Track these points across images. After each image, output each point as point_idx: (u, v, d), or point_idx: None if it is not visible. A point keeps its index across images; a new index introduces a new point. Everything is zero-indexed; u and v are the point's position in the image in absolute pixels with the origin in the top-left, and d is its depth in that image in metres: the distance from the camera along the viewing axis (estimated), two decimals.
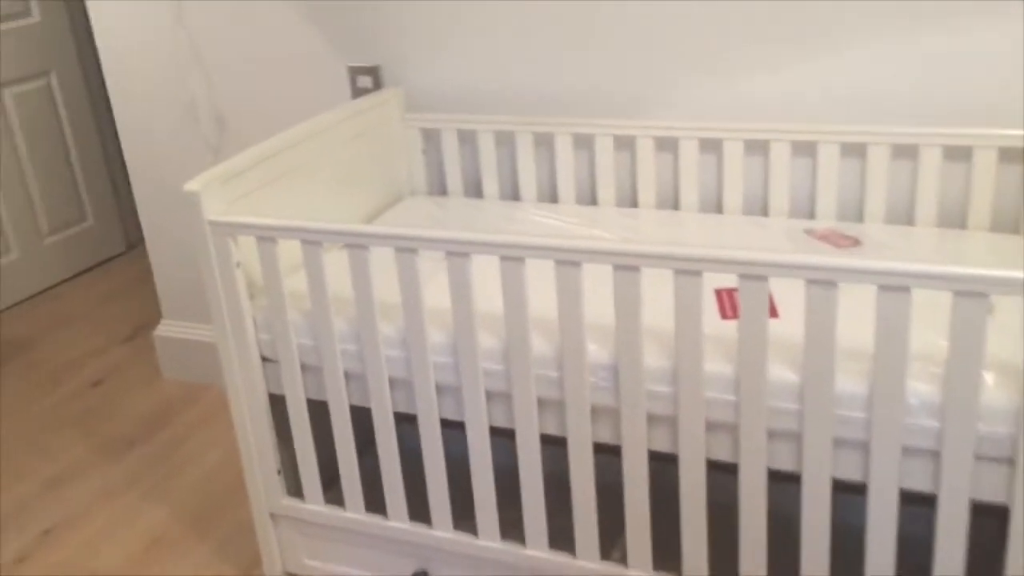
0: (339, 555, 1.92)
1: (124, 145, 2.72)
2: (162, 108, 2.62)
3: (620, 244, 1.42)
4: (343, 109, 2.17)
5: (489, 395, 1.65)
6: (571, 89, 2.15)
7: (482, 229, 2.06)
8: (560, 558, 1.68)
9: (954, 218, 1.91)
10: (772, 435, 1.45)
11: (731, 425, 1.48)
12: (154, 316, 3.25)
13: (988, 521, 1.66)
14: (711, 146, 2.05)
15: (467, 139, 2.28)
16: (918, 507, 1.65)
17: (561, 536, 1.70)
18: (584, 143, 2.17)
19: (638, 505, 1.58)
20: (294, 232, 1.67)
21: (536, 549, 1.70)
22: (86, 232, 3.80)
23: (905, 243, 1.83)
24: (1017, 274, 1.19)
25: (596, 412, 1.57)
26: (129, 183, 3.23)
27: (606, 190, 2.16)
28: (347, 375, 1.76)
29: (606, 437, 1.59)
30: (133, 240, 3.98)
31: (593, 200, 2.20)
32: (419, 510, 1.81)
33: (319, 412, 1.84)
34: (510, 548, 1.72)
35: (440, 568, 1.82)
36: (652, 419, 1.53)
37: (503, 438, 1.76)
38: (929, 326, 1.44)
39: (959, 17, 1.79)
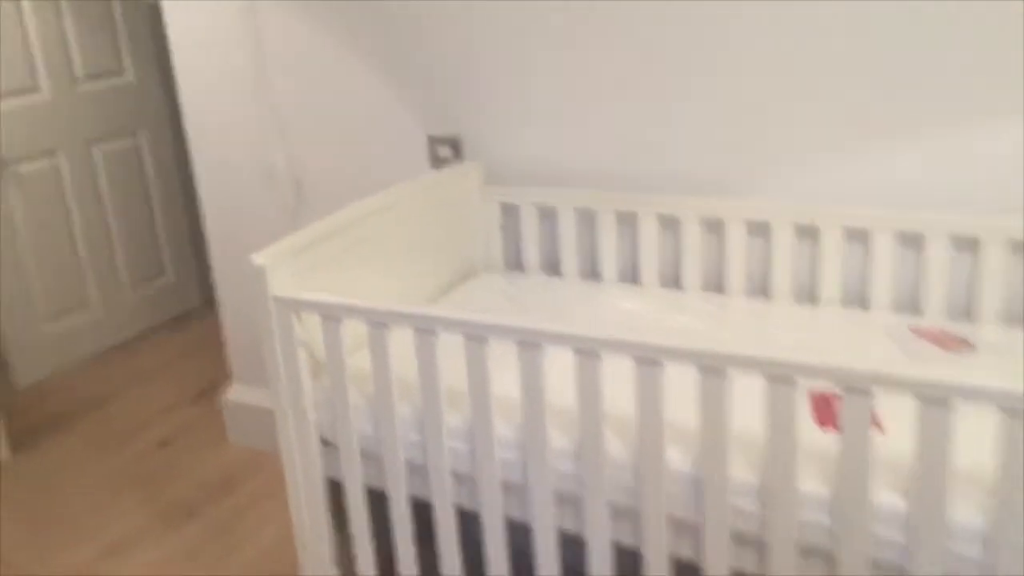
0: None
1: (203, 204, 2.71)
2: (242, 170, 2.60)
3: (706, 345, 1.30)
4: (420, 180, 2.11)
5: (558, 497, 1.53)
6: (657, 167, 2.04)
7: (559, 310, 1.97)
8: None
9: None
10: (876, 566, 1.29)
11: (826, 552, 1.32)
12: (225, 376, 3.21)
13: None
14: (806, 232, 1.92)
15: (547, 214, 2.19)
16: None
17: None
18: (669, 223, 2.06)
19: None
20: (360, 312, 1.59)
21: None
22: (165, 287, 3.82)
23: None
24: None
25: (675, 525, 1.44)
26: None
27: (691, 274, 2.04)
28: (409, 465, 1.66)
29: (686, 553, 1.45)
30: (210, 296, 3.98)
31: (677, 283, 2.08)
32: None
33: (379, 500, 1.74)
34: None
35: None
36: (737, 538, 1.39)
37: (572, 543, 1.63)
38: None
39: None
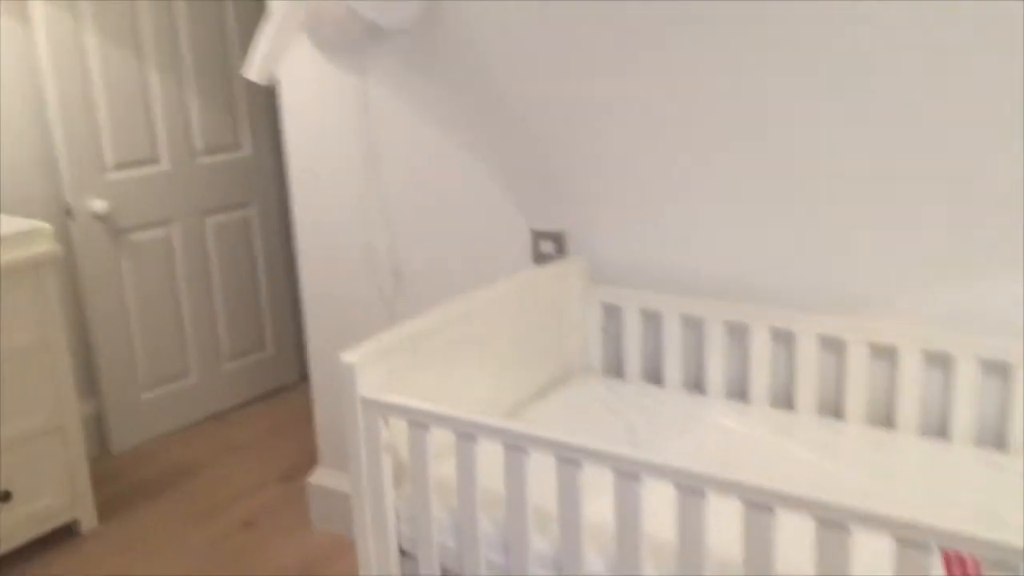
0: None
1: (303, 282, 2.70)
2: (343, 253, 2.58)
3: (826, 496, 1.16)
4: (520, 277, 2.03)
5: None
6: (773, 277, 1.92)
7: (659, 426, 1.84)
8: None
9: None
10: None
11: None
12: (313, 457, 3.17)
13: None
14: (938, 360, 1.76)
15: (651, 319, 2.08)
16: None
17: None
18: (784, 338, 1.92)
19: None
20: (448, 422, 1.51)
21: None
22: (264, 360, 3.83)
23: None
24: None
25: None
26: None
27: (805, 395, 1.89)
28: None
29: None
30: (306, 373, 3.98)
31: (789, 404, 1.93)
32: None
33: None
34: None
35: None
36: None
37: None
38: None
39: None
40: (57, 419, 2.73)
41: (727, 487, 1.24)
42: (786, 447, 1.74)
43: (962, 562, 1.31)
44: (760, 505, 1.22)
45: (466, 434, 1.50)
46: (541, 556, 1.49)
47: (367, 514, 1.64)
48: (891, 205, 1.76)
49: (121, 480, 3.19)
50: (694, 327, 2.03)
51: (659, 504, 1.41)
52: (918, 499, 1.53)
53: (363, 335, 2.59)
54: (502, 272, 2.28)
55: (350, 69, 2.42)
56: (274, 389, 3.89)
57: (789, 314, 1.87)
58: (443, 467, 1.64)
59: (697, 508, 1.28)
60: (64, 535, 2.81)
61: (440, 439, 1.58)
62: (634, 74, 1.99)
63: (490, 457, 1.51)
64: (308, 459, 3.21)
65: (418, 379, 1.72)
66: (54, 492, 2.75)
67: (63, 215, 3.17)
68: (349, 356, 1.60)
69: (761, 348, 1.92)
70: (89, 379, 3.34)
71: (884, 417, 1.84)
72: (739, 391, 2.00)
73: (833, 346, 1.86)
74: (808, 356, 1.87)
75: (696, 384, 2.05)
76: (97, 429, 3.37)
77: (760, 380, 1.93)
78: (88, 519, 2.85)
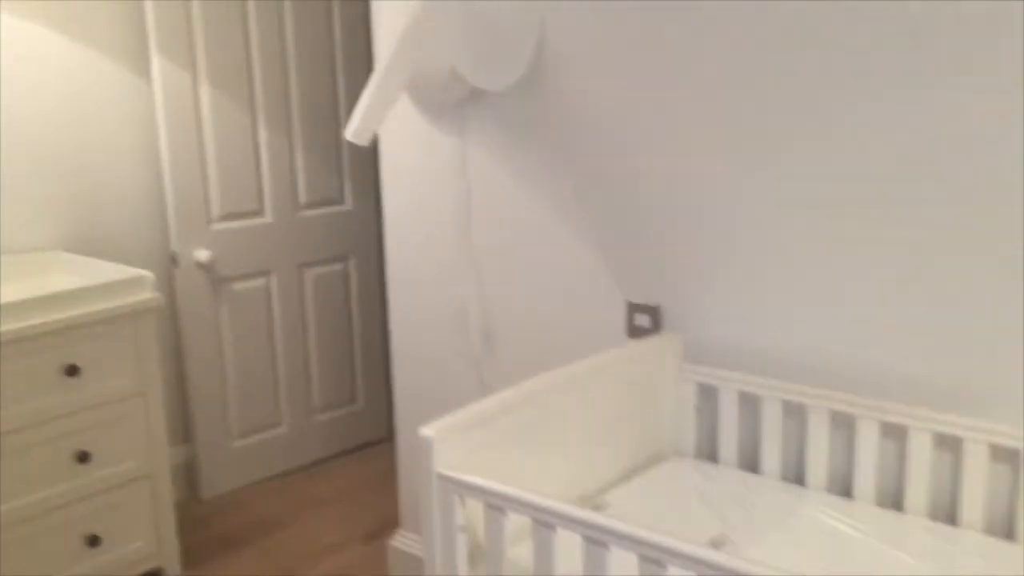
0: None
1: (393, 341, 2.68)
2: (434, 313, 2.55)
3: None
4: (612, 352, 1.95)
5: None
6: (884, 367, 1.79)
7: (755, 521, 1.72)
8: None
9: None
10: None
11: None
12: (397, 518, 3.12)
13: None
14: None
15: (749, 403, 1.97)
16: None
17: None
18: (894, 434, 1.78)
19: None
20: (526, 508, 1.43)
21: None
22: (354, 414, 3.82)
23: None
24: None
25: None
26: None
27: (916, 496, 1.74)
28: None
29: None
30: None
31: (898, 504, 1.79)
32: None
33: None
34: None
35: None
36: None
37: None
38: None
39: None
40: (148, 466, 2.76)
41: None
42: (893, 553, 1.60)
43: None
44: None
45: (544, 522, 1.42)
46: None
47: None
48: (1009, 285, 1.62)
49: (208, 527, 3.20)
50: (795, 414, 1.91)
51: None
52: None
53: (451, 398, 2.55)
54: (594, 343, 2.21)
55: (450, 130, 2.40)
56: (363, 443, 3.87)
57: (901, 408, 1.74)
58: (522, 549, 1.56)
59: None
60: None
61: (519, 520, 1.51)
62: (736, 147, 1.91)
63: (571, 543, 1.43)
64: (392, 519, 3.16)
65: (499, 454, 1.65)
66: (141, 538, 2.76)
67: (168, 263, 3.25)
68: (428, 430, 1.55)
69: (868, 442, 1.78)
70: (184, 424, 3.39)
71: (1005, 527, 1.68)
72: (843, 487, 1.86)
73: (950, 445, 1.72)
74: (921, 455, 1.72)
75: (796, 475, 1.92)
76: (188, 474, 3.41)
77: (866, 477, 1.79)
78: (172, 567, 2.85)
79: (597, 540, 1.35)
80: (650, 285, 2.11)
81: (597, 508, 1.77)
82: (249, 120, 3.33)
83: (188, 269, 3.23)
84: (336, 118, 3.59)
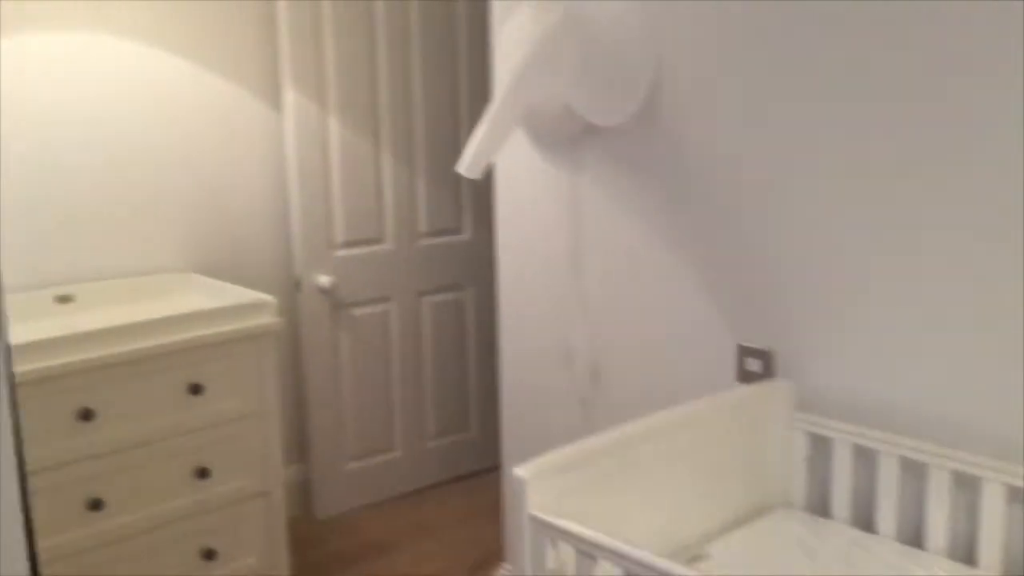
0: None
1: (502, 373, 2.69)
2: (543, 347, 2.54)
3: None
4: (721, 397, 1.90)
5: None
6: (1013, 428, 1.67)
7: None
8: None
9: None
10: None
11: None
12: (502, 551, 3.11)
13: None
14: None
15: (865, 457, 1.87)
16: None
17: None
18: (1022, 499, 1.66)
19: None
20: (619, 558, 1.39)
21: None
22: (467, 442, 3.84)
23: None
24: None
25: None
26: None
27: None
28: None
29: None
30: None
31: None
32: None
33: None
34: None
35: None
36: None
37: None
38: None
39: None
40: (263, 484, 2.84)
41: None
42: None
43: None
44: None
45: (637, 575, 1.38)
46: None
47: None
48: None
49: (320, 547, 3.27)
50: (915, 472, 1.80)
51: None
52: None
53: (557, 433, 2.52)
54: (703, 385, 2.15)
55: (564, 164, 2.40)
56: (475, 472, 3.88)
57: None
58: None
59: None
60: None
61: (612, 569, 1.47)
62: (861, 191, 1.83)
63: None
64: (499, 551, 3.15)
65: (595, 497, 1.62)
66: (254, 554, 2.84)
67: (292, 287, 3.36)
68: (522, 470, 1.53)
69: (994, 507, 1.66)
70: (300, 444, 3.48)
71: None
72: (965, 553, 1.74)
73: None
74: None
75: (914, 537, 1.81)
76: (304, 493, 3.50)
77: (991, 543, 1.67)
78: None
79: None
80: (762, 328, 2.04)
81: (697, 559, 1.72)
82: (374, 150, 3.41)
83: (310, 293, 3.33)
84: (458, 149, 3.63)
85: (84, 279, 2.96)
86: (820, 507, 1.95)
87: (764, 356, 2.04)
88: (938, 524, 1.74)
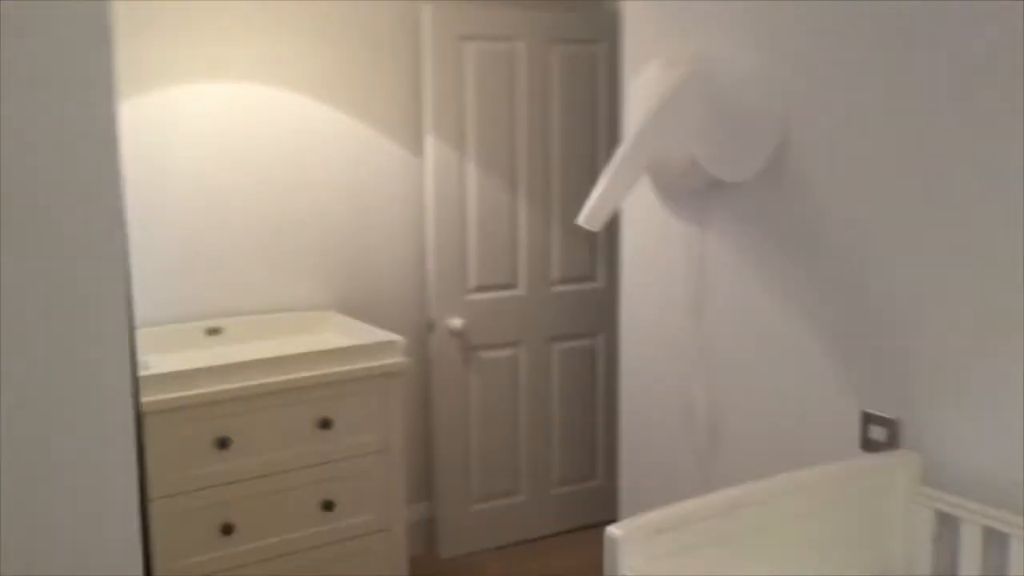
0: None
1: (621, 424, 2.67)
2: (663, 399, 2.50)
3: None
4: (839, 464, 1.82)
5: None
6: None
7: None
8: None
9: None
10: None
11: None
12: None
13: None
14: None
15: (997, 540, 1.74)
16: None
17: None
18: None
19: None
20: None
21: None
22: (593, 491, 3.81)
23: None
24: None
25: None
26: None
27: None
28: None
29: None
30: None
31: None
32: None
33: None
34: None
35: None
36: None
37: None
38: None
39: None
40: (386, 520, 2.91)
41: None
42: None
43: None
44: None
45: None
46: None
47: None
48: None
49: None
50: None
51: None
52: None
53: (674, 489, 2.47)
54: (823, 450, 2.06)
55: (688, 216, 2.38)
56: (600, 521, 3.82)
57: None
58: None
59: None
60: None
61: None
62: (1000, 256, 1.73)
63: None
64: None
65: (694, 562, 1.58)
66: None
67: (425, 328, 3.45)
68: (616, 529, 1.52)
69: None
70: (427, 482, 3.54)
71: None
72: None
73: None
74: None
75: None
76: (428, 531, 3.55)
77: None
78: None
79: None
80: (889, 396, 1.95)
81: None
82: (510, 196, 3.48)
83: (442, 335, 3.41)
84: None
85: (233, 313, 3.14)
86: None
87: (889, 425, 1.94)
88: None
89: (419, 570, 3.37)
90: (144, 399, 2.46)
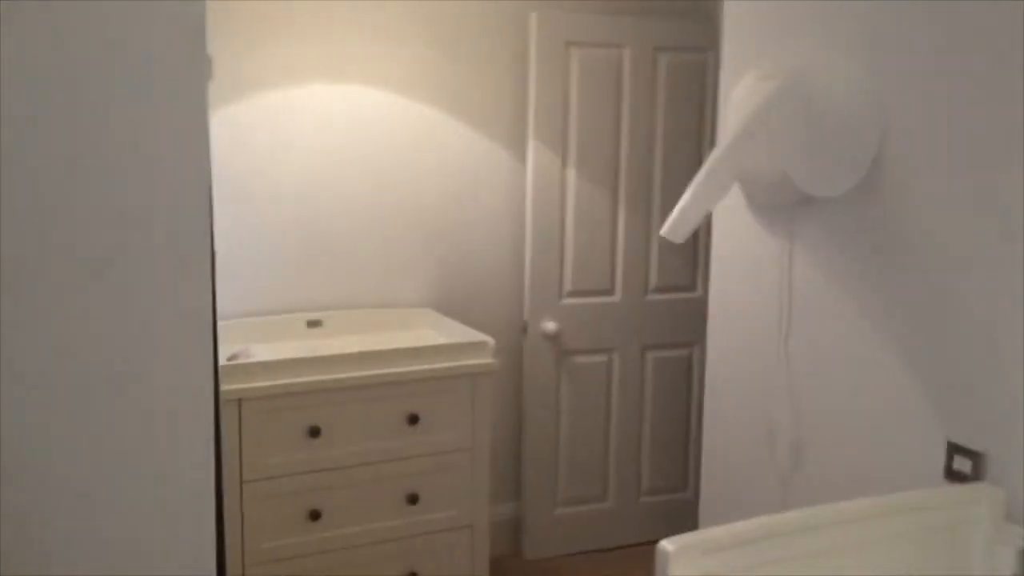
0: None
1: (704, 437, 2.64)
2: (746, 416, 2.46)
3: None
4: (915, 495, 1.76)
5: None
6: None
7: None
8: None
9: None
10: None
11: None
12: None
13: None
14: None
15: None
16: None
17: None
18: None
19: None
20: None
21: None
22: (682, 503, 3.77)
23: None
24: None
25: None
26: None
27: None
28: None
29: None
30: None
31: None
32: None
33: None
34: None
35: None
36: None
37: None
38: None
39: None
40: (469, 517, 2.97)
41: None
42: None
43: None
44: None
45: None
46: None
47: None
48: None
49: None
50: None
51: None
52: None
53: (753, 509, 2.42)
54: (906, 478, 1.99)
55: (777, 230, 2.33)
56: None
57: None
58: None
59: None
60: None
61: None
62: None
63: None
64: None
65: None
66: None
67: (520, 330, 3.48)
68: (669, 543, 1.51)
69: None
70: (515, 483, 3.58)
71: None
72: None
73: None
74: None
75: None
76: (515, 531, 3.59)
77: None
78: None
79: None
80: (976, 426, 1.87)
81: None
82: (610, 203, 3.48)
83: (535, 338, 3.44)
84: None
85: (334, 307, 3.26)
86: None
87: (975, 457, 1.86)
88: None
89: (502, 569, 3.41)
90: (242, 385, 2.59)
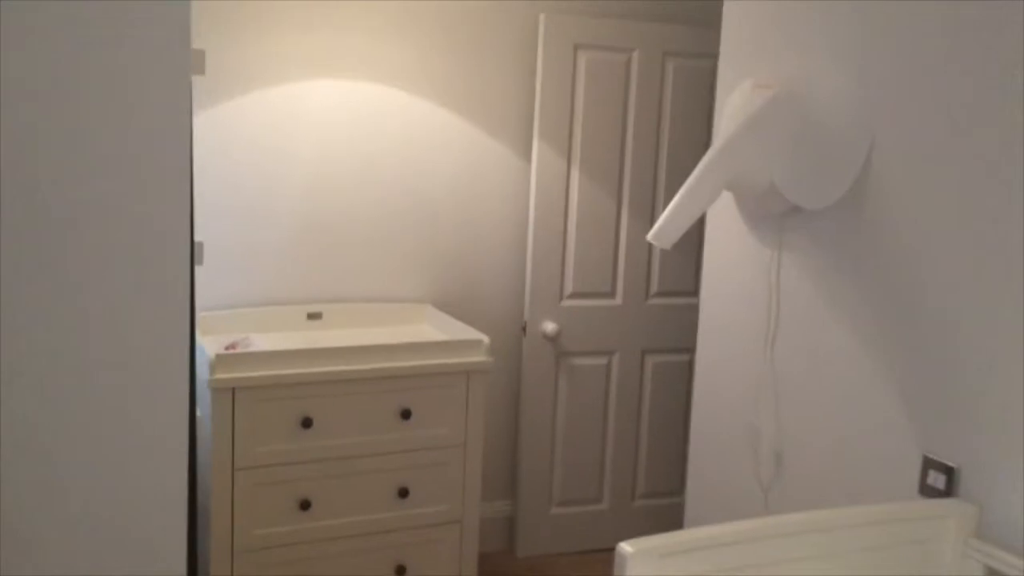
0: None
1: (691, 437, 2.66)
2: (730, 424, 2.47)
3: None
4: (882, 508, 1.77)
5: None
6: None
7: None
8: None
9: None
10: None
11: None
12: None
13: None
14: None
15: None
16: None
17: None
18: None
19: None
20: None
21: None
22: (677, 506, 3.76)
23: None
24: None
25: None
26: None
27: None
28: None
29: None
30: None
31: None
32: None
33: None
34: None
35: None
36: None
37: None
38: None
39: None
40: (458, 512, 2.99)
41: None
42: None
43: None
44: None
45: None
46: None
47: None
48: None
49: None
50: None
51: None
52: None
53: (736, 514, 2.44)
54: (882, 491, 2.00)
55: (766, 240, 2.34)
56: None
57: None
58: None
59: None
60: None
61: None
62: None
63: None
64: None
65: None
66: None
67: (519, 330, 3.51)
68: (628, 545, 1.53)
69: None
70: (510, 481, 3.60)
71: None
72: None
73: None
74: None
75: None
76: (508, 529, 3.61)
77: None
78: None
79: None
80: (951, 442, 1.87)
81: None
82: (613, 206, 3.49)
83: (535, 338, 3.46)
84: None
85: (335, 300, 3.29)
86: None
87: (948, 472, 1.86)
88: None
89: (493, 565, 3.44)
90: (237, 375, 2.63)
